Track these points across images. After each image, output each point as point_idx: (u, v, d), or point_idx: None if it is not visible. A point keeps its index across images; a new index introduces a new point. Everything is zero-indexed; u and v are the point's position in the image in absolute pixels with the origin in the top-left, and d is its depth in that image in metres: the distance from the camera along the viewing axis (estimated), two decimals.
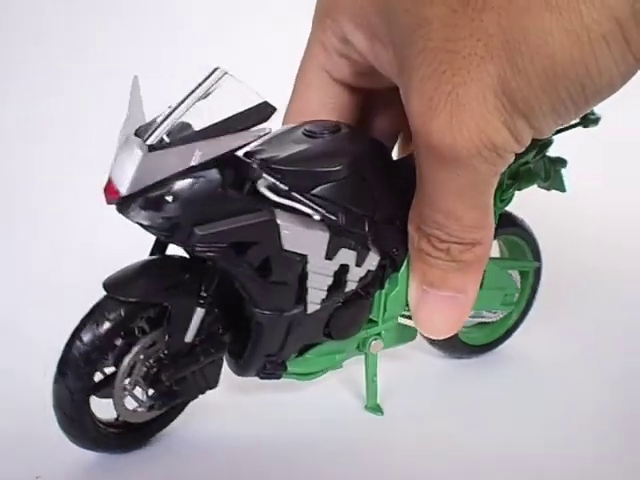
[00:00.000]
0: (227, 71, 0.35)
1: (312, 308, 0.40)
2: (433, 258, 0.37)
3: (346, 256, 0.39)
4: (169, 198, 0.34)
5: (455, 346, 0.51)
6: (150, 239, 0.40)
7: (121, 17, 0.76)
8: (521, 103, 0.30)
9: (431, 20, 0.30)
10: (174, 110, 0.34)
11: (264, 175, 0.36)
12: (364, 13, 0.36)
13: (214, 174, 0.35)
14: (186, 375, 0.40)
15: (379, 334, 0.45)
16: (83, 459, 0.41)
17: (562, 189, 0.49)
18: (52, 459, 0.41)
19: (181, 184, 0.34)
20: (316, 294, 0.39)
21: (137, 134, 0.34)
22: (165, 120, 0.34)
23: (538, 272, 0.53)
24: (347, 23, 0.37)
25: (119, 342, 0.38)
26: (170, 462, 0.42)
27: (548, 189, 0.49)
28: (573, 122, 0.45)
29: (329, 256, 0.39)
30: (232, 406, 0.45)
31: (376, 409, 0.46)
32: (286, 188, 0.36)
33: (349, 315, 0.42)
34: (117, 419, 0.41)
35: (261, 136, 0.35)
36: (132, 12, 0.76)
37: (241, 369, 0.41)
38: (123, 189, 0.34)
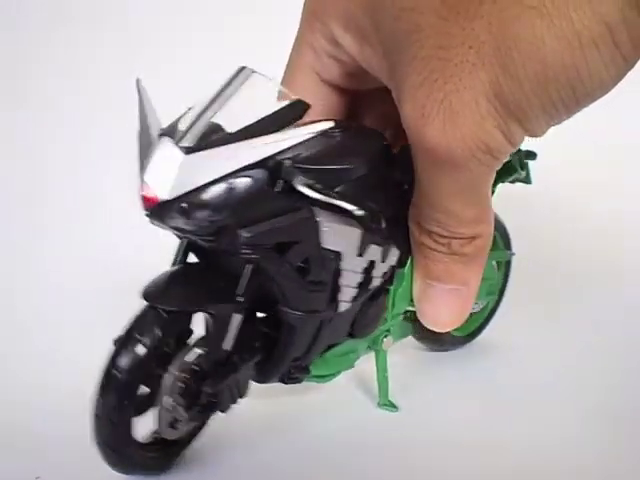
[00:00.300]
0: (254, 69, 0.34)
1: (343, 307, 0.39)
2: (435, 252, 0.38)
3: (374, 252, 0.39)
4: (216, 201, 0.32)
5: (442, 339, 0.52)
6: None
7: (128, 17, 0.76)
8: (514, 107, 0.30)
9: (422, 27, 0.31)
10: (205, 111, 0.33)
11: (297, 173, 0.34)
12: (353, 16, 0.36)
13: (260, 174, 0.33)
14: (224, 385, 0.38)
15: (388, 330, 0.45)
16: (83, 459, 0.41)
17: (528, 181, 0.51)
18: (52, 459, 0.41)
19: (228, 185, 0.32)
20: (348, 292, 0.39)
21: (164, 135, 0.33)
22: (197, 121, 0.33)
23: (509, 261, 0.54)
24: (336, 26, 0.37)
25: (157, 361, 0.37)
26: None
27: (513, 182, 0.50)
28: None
29: (360, 252, 0.38)
30: (244, 407, 0.45)
31: (390, 406, 0.46)
32: (320, 185, 0.34)
33: (372, 312, 0.42)
34: (155, 438, 0.39)
35: (313, 136, 0.34)
36: (139, 12, 0.76)
37: (265, 375, 0.40)
38: (163, 193, 0.32)
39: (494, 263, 0.52)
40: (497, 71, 0.29)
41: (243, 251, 0.34)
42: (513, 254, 0.54)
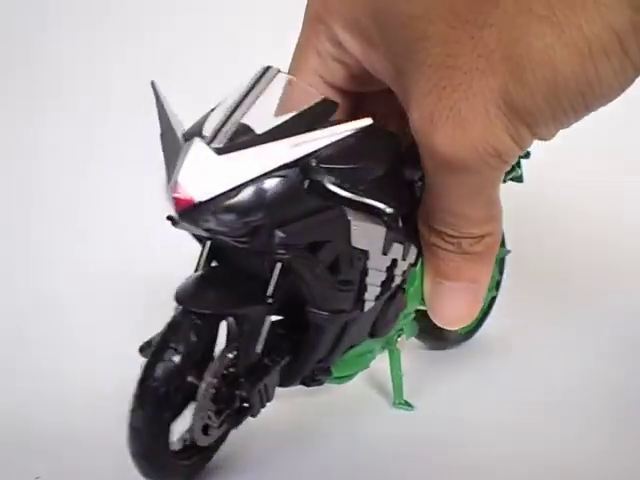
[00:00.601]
0: (280, 69, 0.34)
1: (368, 306, 0.39)
2: (445, 252, 0.38)
3: (396, 250, 0.39)
4: (251, 201, 0.32)
5: (442, 338, 0.52)
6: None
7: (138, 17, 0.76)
8: (523, 112, 0.30)
9: (430, 35, 0.31)
10: (233, 111, 0.33)
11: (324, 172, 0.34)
12: (357, 20, 0.36)
13: (293, 173, 0.32)
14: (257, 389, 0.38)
15: (402, 329, 0.45)
16: (83, 459, 0.41)
17: (521, 180, 0.51)
18: (52, 459, 0.41)
19: (263, 186, 0.32)
20: (372, 291, 0.39)
21: (190, 136, 0.33)
22: (226, 122, 0.32)
23: (503, 258, 0.55)
24: (340, 29, 0.37)
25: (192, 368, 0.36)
26: None
27: (504, 181, 0.50)
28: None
29: (385, 251, 0.38)
30: None
31: (406, 405, 0.46)
32: (348, 184, 0.34)
33: (392, 311, 0.42)
34: (184, 445, 0.38)
35: (350, 133, 0.33)
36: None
37: (289, 378, 0.40)
38: (198, 195, 0.31)
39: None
40: (507, 79, 0.30)
41: (278, 251, 0.33)
42: (509, 251, 0.54)
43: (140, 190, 0.60)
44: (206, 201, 0.31)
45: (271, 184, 0.32)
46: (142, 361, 0.39)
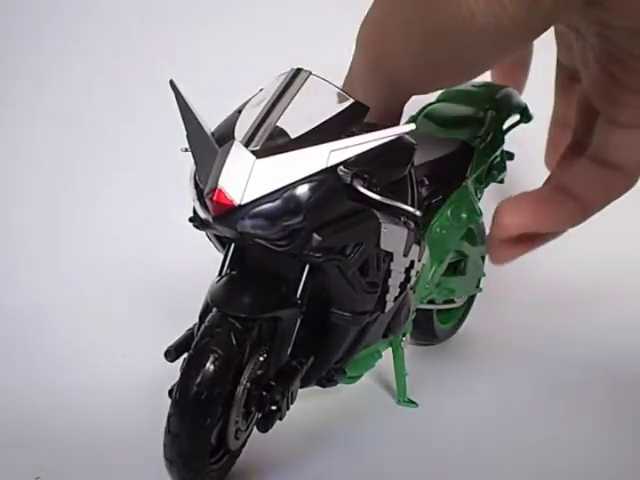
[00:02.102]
0: (311, 71, 0.34)
1: (388, 307, 0.39)
2: None
3: (414, 252, 0.39)
4: (290, 205, 0.32)
5: (429, 333, 0.53)
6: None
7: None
8: None
9: None
10: (267, 114, 0.33)
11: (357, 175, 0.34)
12: None
13: (334, 177, 0.32)
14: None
15: (406, 329, 0.46)
16: (83, 459, 0.41)
17: (502, 181, 0.53)
18: (52, 459, 0.41)
19: (305, 189, 0.32)
20: (393, 292, 0.39)
21: (223, 139, 0.32)
22: (262, 124, 0.32)
23: (483, 256, 0.55)
24: None
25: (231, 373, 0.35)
26: None
27: (488, 184, 0.52)
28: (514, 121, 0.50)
29: (405, 253, 0.38)
30: None
31: (410, 402, 0.47)
32: (377, 188, 0.34)
33: (404, 312, 0.42)
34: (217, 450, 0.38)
35: (395, 136, 0.33)
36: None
37: (307, 379, 0.40)
38: (239, 198, 0.31)
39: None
40: None
41: (315, 255, 0.33)
42: None
43: (155, 190, 0.61)
44: (246, 204, 0.31)
45: (310, 188, 0.32)
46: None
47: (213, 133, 0.33)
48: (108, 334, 0.51)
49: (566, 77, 0.39)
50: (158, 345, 0.48)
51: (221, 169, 0.32)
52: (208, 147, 0.33)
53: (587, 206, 0.38)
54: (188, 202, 0.37)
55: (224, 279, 0.36)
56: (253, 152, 0.32)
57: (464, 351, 0.54)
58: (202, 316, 0.36)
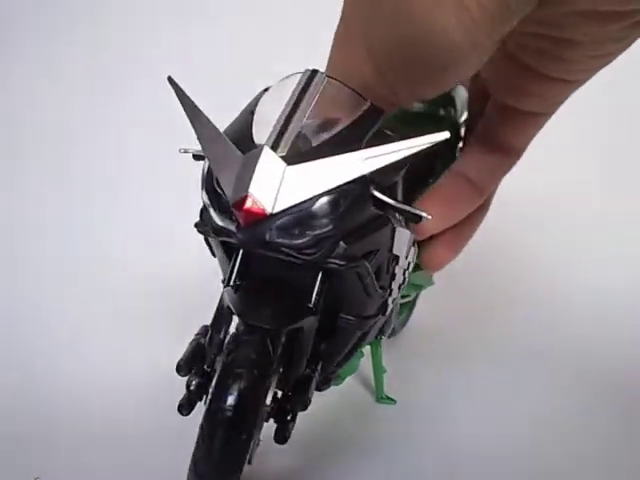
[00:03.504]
0: (326, 73, 0.33)
1: (389, 309, 0.39)
2: None
3: (412, 253, 0.39)
4: (324, 213, 0.31)
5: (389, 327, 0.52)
6: None
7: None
8: None
9: None
10: (289, 118, 0.31)
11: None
12: None
13: (362, 184, 0.31)
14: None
15: None
16: (82, 459, 0.41)
17: None
18: (51, 459, 0.41)
19: (336, 197, 0.31)
20: (394, 294, 0.39)
21: (238, 144, 0.31)
22: (285, 129, 0.31)
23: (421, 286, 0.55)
24: None
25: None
26: (169, 461, 0.41)
27: None
28: None
29: (407, 255, 0.38)
30: None
31: (389, 400, 0.47)
32: (389, 192, 0.33)
33: (394, 312, 0.42)
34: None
35: (430, 144, 0.32)
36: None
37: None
38: (270, 206, 0.30)
39: None
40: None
41: (339, 263, 0.32)
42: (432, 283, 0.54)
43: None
44: (277, 213, 0.30)
45: (341, 196, 0.31)
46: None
47: (235, 139, 0.32)
48: (108, 333, 0.51)
49: None
50: (158, 345, 0.49)
51: (251, 176, 0.30)
52: (228, 151, 0.32)
53: (482, 189, 0.40)
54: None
55: (244, 289, 0.35)
56: (284, 159, 0.31)
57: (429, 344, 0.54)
58: (215, 325, 0.36)
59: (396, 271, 0.38)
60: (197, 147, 0.34)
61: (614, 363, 0.52)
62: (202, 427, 0.33)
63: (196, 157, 0.36)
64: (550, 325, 0.56)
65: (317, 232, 0.31)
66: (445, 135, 0.32)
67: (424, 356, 0.53)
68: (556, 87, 0.36)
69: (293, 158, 0.31)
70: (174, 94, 0.33)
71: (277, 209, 0.30)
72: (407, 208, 0.34)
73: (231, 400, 0.32)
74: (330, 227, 0.31)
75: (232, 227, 0.31)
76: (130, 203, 0.64)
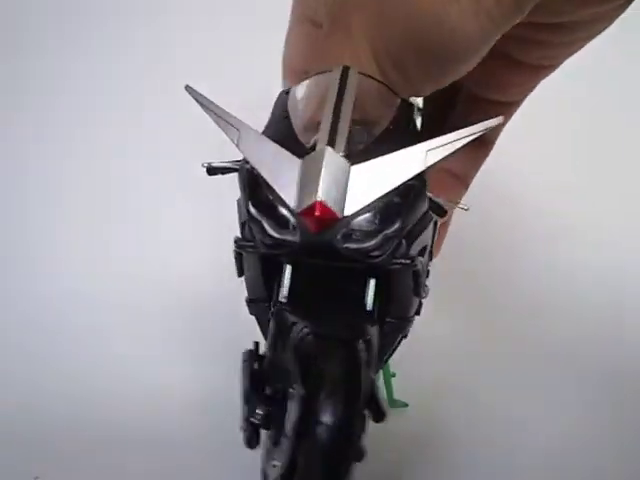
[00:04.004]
0: (358, 70, 0.32)
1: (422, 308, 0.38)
2: None
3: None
4: (392, 212, 0.29)
5: None
6: None
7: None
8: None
9: None
10: (336, 117, 0.30)
11: None
12: None
13: (421, 177, 0.30)
14: None
15: None
16: (82, 459, 0.41)
17: None
18: (51, 459, 0.41)
19: (401, 194, 0.29)
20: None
21: (289, 145, 0.30)
22: (336, 129, 0.29)
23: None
24: None
25: None
26: (167, 462, 0.41)
27: None
28: None
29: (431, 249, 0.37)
30: None
31: (401, 403, 0.46)
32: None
33: None
34: None
35: (486, 130, 0.31)
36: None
37: None
38: (341, 209, 0.28)
39: None
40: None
41: (403, 262, 0.30)
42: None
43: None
44: (347, 217, 0.29)
45: (405, 192, 0.30)
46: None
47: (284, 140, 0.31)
48: (107, 333, 0.51)
49: None
50: (159, 345, 0.49)
51: (318, 180, 0.28)
52: (281, 157, 0.30)
53: (466, 181, 0.41)
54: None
55: (311, 302, 0.33)
56: (346, 158, 0.29)
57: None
58: (274, 345, 0.33)
59: (429, 267, 0.36)
60: (216, 160, 0.33)
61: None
62: (292, 459, 0.27)
63: (211, 171, 0.34)
64: (561, 325, 0.55)
65: (386, 232, 0.29)
66: (499, 120, 0.31)
67: (426, 357, 0.51)
68: (533, 74, 0.36)
69: (354, 157, 0.29)
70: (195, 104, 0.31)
71: (348, 212, 0.29)
72: (443, 202, 0.33)
73: (332, 420, 0.27)
74: (397, 226, 0.29)
75: (292, 237, 0.29)
76: (142, 217, 0.63)
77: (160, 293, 0.54)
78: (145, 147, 0.65)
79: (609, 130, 0.67)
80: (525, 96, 0.39)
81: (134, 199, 0.62)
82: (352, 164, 0.29)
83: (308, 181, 0.29)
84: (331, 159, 0.29)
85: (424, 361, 0.50)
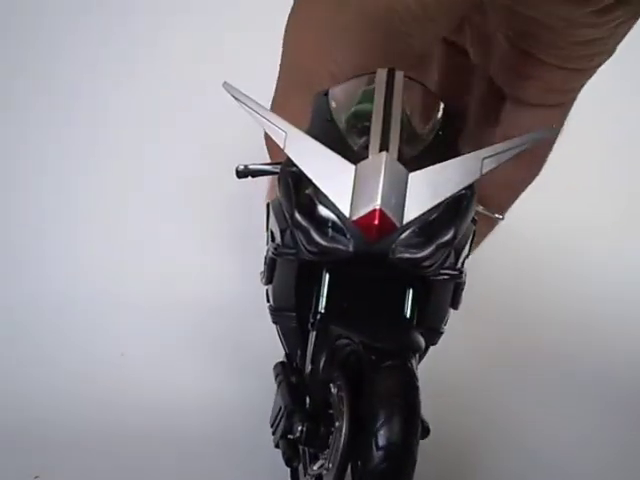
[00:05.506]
0: (403, 73, 0.31)
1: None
2: None
3: None
4: (447, 220, 0.28)
5: None
6: None
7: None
8: None
9: None
10: (386, 122, 0.29)
11: None
12: None
13: (472, 188, 0.29)
14: None
15: None
16: (83, 459, 0.41)
17: None
18: (51, 459, 0.41)
19: (457, 201, 0.29)
20: None
21: (342, 153, 0.29)
22: (387, 134, 0.28)
23: None
24: None
25: None
26: (167, 462, 0.41)
27: None
28: None
29: None
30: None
31: None
32: None
33: None
34: None
35: (542, 138, 0.30)
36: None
37: None
38: (400, 217, 0.27)
39: None
40: None
41: (451, 272, 0.30)
42: None
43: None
44: (405, 225, 0.28)
45: (459, 200, 0.29)
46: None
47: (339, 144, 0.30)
48: (107, 333, 0.51)
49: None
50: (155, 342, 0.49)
51: (377, 187, 0.27)
52: (334, 163, 0.29)
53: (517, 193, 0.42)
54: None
55: (352, 313, 0.32)
56: (407, 165, 0.28)
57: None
58: (316, 357, 0.32)
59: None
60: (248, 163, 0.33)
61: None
62: (377, 463, 0.26)
63: (241, 174, 0.33)
64: (575, 331, 0.56)
65: (440, 241, 0.28)
66: (557, 130, 0.31)
67: (431, 358, 0.53)
68: (554, 73, 0.36)
69: (410, 164, 0.28)
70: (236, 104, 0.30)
71: (407, 219, 0.28)
72: (484, 211, 0.33)
73: (395, 437, 0.26)
74: (449, 236, 0.28)
75: (343, 246, 0.28)
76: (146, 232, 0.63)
77: (170, 293, 0.54)
78: (146, 148, 0.66)
79: None
80: (568, 99, 0.38)
81: (135, 200, 0.62)
82: (410, 171, 0.28)
83: (365, 188, 0.28)
84: (390, 166, 0.28)
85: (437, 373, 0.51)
